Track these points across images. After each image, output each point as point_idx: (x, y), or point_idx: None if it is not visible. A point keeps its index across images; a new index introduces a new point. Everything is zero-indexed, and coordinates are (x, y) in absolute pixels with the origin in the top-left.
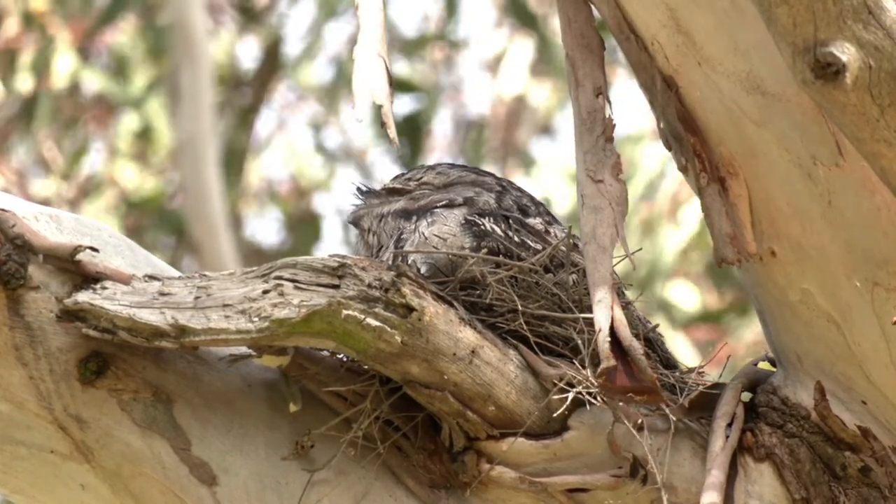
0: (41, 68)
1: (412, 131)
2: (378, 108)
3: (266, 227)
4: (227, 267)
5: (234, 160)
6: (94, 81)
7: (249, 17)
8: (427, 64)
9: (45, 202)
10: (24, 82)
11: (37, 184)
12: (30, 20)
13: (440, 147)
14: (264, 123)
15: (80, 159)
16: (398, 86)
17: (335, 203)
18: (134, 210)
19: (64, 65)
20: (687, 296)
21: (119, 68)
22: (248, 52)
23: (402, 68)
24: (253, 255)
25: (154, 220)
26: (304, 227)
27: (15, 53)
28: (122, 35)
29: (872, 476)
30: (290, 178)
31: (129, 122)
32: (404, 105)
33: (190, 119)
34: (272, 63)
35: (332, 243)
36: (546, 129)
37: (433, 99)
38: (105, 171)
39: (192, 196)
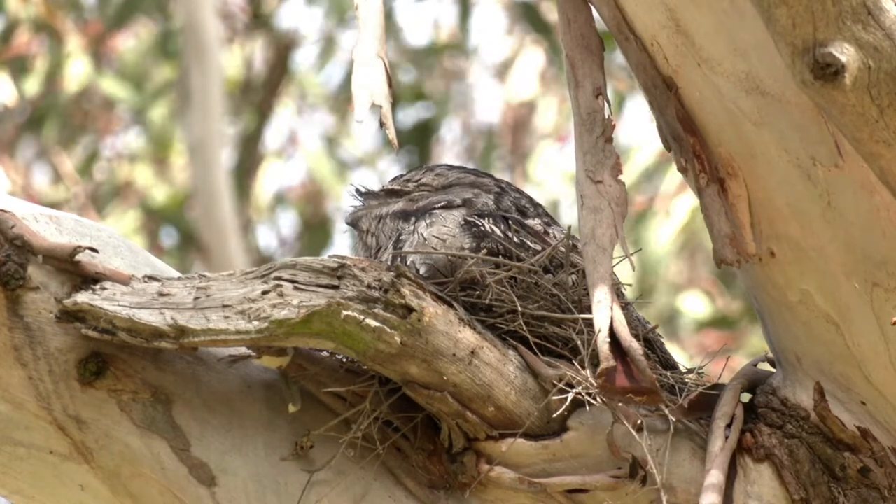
0: (52, 74)
1: (421, 140)
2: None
3: (275, 234)
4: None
5: (243, 167)
6: (105, 87)
7: (259, 23)
8: (437, 72)
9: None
10: (34, 87)
11: (46, 190)
12: (40, 26)
13: (449, 156)
14: (274, 130)
15: (91, 166)
16: (407, 95)
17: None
18: (150, 217)
19: (75, 70)
20: (696, 303)
21: (130, 74)
22: (259, 59)
23: (412, 77)
24: (262, 261)
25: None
26: (314, 233)
27: (26, 59)
28: (133, 39)
29: (872, 477)
30: (301, 184)
31: (140, 129)
32: (413, 114)
33: (200, 122)
34: (282, 70)
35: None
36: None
37: (442, 108)
38: (117, 177)
39: (202, 199)
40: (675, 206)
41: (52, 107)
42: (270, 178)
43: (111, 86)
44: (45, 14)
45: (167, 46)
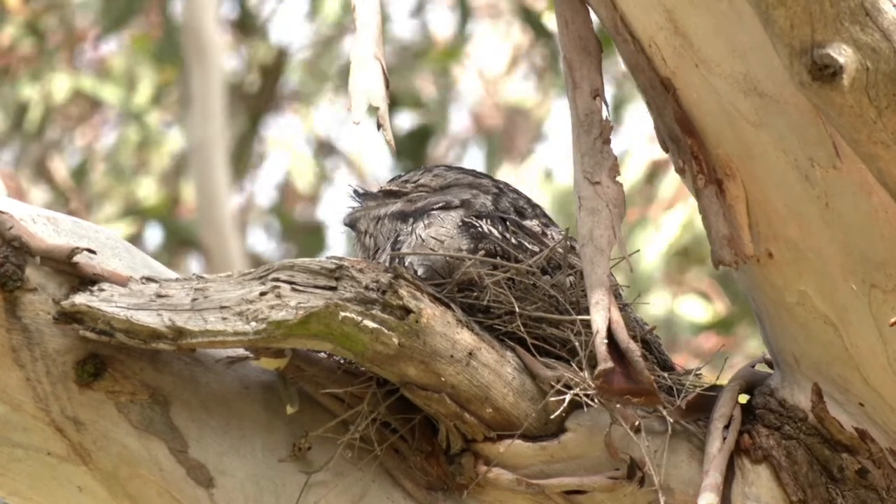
0: (42, 80)
1: (416, 146)
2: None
3: (269, 236)
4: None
5: (237, 169)
6: (96, 91)
7: (251, 29)
8: (431, 77)
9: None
10: (25, 93)
11: (37, 196)
12: (33, 30)
13: (446, 160)
14: (266, 132)
15: (82, 171)
16: (402, 102)
17: (339, 211)
18: (139, 219)
19: (65, 76)
20: (694, 307)
21: (123, 77)
22: (253, 61)
23: (408, 84)
24: (257, 263)
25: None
26: (307, 236)
27: (14, 66)
28: (127, 42)
29: (869, 478)
30: (293, 187)
31: (132, 132)
32: (409, 119)
33: (200, 124)
34: (274, 74)
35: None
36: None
37: (440, 113)
38: (107, 181)
39: (201, 201)
40: (666, 220)
41: (40, 112)
42: (262, 182)
43: (98, 88)
44: (31, 20)
45: (164, 49)
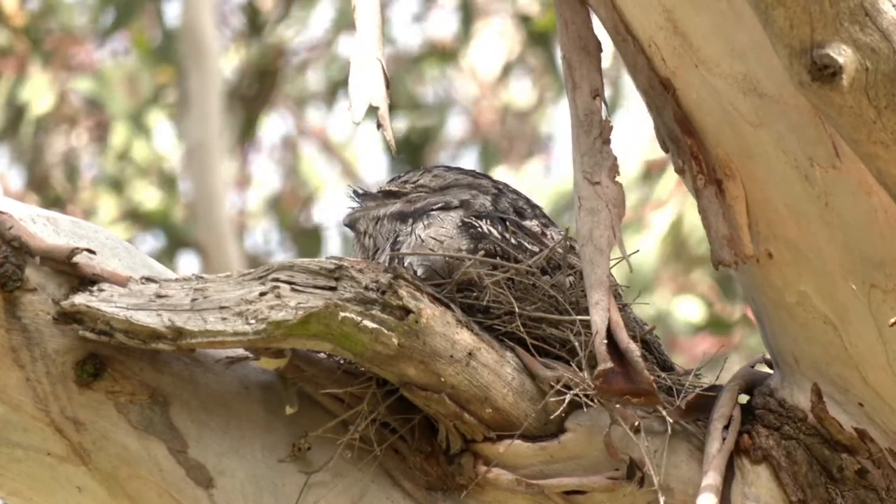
0: (37, 83)
1: (415, 148)
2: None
3: (267, 239)
4: None
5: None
6: (93, 93)
7: (255, 28)
8: (430, 79)
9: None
10: (22, 96)
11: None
12: (29, 34)
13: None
14: (265, 133)
15: (77, 175)
16: (403, 104)
17: (336, 213)
18: (138, 222)
19: (62, 79)
20: (691, 308)
21: (121, 80)
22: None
23: (407, 86)
24: (255, 265)
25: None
26: (305, 238)
27: (10, 69)
28: (126, 44)
29: (869, 478)
30: (292, 189)
31: (126, 135)
32: (408, 121)
33: (198, 125)
34: (273, 74)
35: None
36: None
37: (439, 116)
38: (104, 185)
39: (199, 202)
40: (655, 218)
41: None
42: (261, 182)
43: (95, 91)
44: (29, 23)
45: (162, 51)
